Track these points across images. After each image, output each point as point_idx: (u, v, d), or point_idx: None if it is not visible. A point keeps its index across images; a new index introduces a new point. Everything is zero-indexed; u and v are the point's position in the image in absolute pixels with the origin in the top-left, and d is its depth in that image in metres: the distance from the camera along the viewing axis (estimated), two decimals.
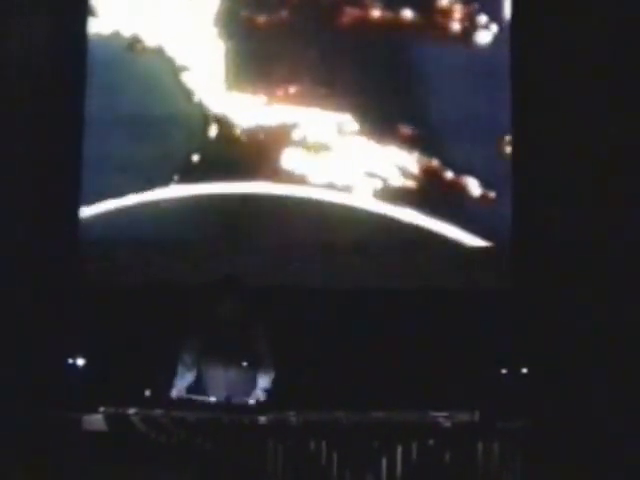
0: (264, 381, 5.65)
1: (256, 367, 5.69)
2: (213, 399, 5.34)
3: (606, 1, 7.12)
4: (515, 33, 7.28)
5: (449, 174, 7.24)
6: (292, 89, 7.30)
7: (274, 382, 5.67)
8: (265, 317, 5.87)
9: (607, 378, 6.69)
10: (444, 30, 7.29)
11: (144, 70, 7.36)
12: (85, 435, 5.13)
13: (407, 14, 7.31)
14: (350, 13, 7.35)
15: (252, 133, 7.29)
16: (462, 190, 7.23)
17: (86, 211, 7.23)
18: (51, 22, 7.25)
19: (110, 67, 7.35)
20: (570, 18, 7.12)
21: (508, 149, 7.23)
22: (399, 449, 4.99)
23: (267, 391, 5.58)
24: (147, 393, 5.20)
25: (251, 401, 5.39)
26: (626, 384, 6.66)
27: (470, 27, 7.28)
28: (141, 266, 7.17)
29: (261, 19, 7.37)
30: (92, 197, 7.24)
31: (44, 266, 7.01)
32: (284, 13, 7.36)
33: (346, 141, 7.27)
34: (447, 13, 7.29)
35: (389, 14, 7.30)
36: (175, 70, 7.34)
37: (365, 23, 7.32)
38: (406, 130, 7.27)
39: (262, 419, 5.05)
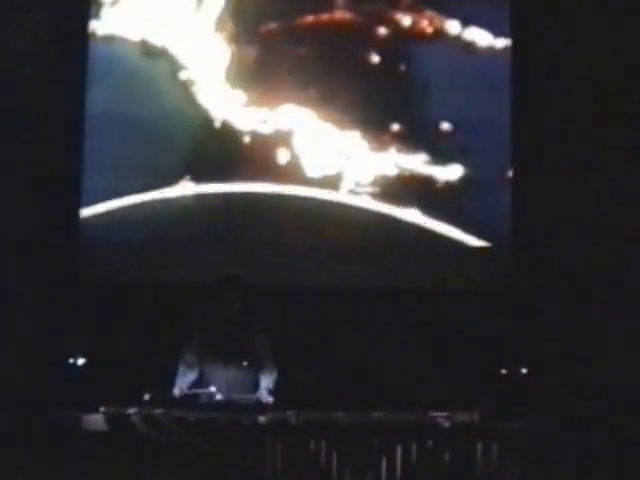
0: (266, 381, 5.67)
1: (257, 367, 5.70)
2: (218, 396, 5.38)
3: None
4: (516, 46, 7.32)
5: (449, 174, 7.25)
6: (292, 90, 7.31)
7: (275, 382, 5.69)
8: (265, 316, 5.88)
9: (607, 378, 6.69)
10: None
11: (145, 70, 7.35)
12: (85, 435, 5.14)
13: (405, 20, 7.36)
14: (347, 16, 7.37)
15: (252, 134, 7.29)
16: (462, 190, 7.25)
17: (86, 211, 7.23)
18: (52, 22, 7.24)
19: (111, 67, 7.34)
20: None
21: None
22: (399, 449, 4.99)
23: (270, 391, 5.60)
24: (146, 397, 5.21)
25: (255, 399, 5.41)
26: (626, 384, 6.66)
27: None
28: (141, 266, 7.17)
29: (263, 23, 7.39)
30: (92, 197, 7.24)
31: (44, 266, 7.01)
32: (284, 19, 7.38)
33: (346, 141, 7.27)
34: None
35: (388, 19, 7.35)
36: (176, 70, 7.33)
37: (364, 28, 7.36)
38: (406, 131, 7.28)
39: (262, 419, 5.05)
